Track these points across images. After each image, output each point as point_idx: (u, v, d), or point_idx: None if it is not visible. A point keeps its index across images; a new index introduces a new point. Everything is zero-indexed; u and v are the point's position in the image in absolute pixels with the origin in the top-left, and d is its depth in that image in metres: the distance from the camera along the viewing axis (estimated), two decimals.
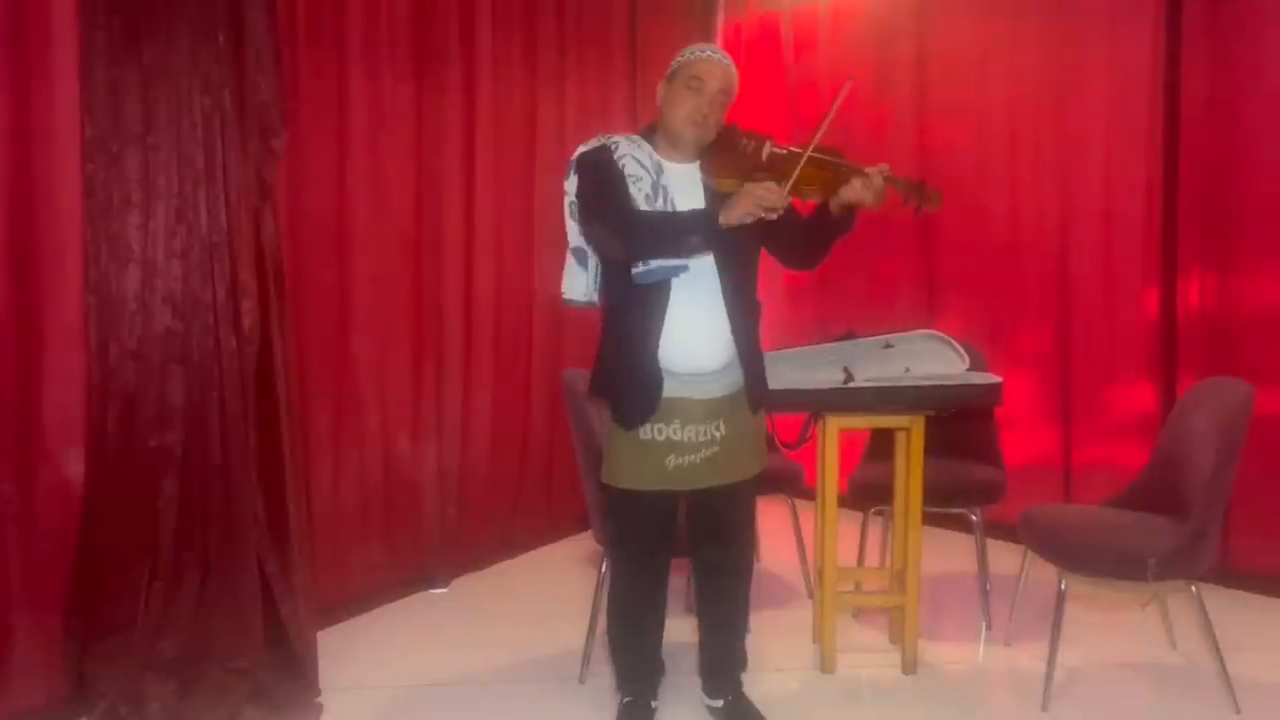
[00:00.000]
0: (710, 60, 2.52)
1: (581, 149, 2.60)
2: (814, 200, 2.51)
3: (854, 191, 2.40)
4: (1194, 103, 3.92)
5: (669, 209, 2.48)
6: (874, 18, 4.89)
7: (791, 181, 2.35)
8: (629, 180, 2.47)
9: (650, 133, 2.63)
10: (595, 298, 2.71)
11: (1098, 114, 4.21)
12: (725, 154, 2.53)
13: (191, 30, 2.83)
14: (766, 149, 2.50)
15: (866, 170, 2.41)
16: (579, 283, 2.70)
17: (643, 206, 2.46)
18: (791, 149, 2.47)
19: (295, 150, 3.30)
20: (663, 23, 5.05)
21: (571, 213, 2.65)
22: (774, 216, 2.31)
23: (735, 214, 2.31)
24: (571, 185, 2.61)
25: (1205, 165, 3.91)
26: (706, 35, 5.40)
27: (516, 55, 4.32)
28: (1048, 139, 4.37)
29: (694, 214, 2.44)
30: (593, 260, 2.68)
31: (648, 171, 2.50)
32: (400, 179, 3.85)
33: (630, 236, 2.45)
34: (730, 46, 5.45)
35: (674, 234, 2.42)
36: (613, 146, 2.54)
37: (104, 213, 2.82)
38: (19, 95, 2.70)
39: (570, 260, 2.70)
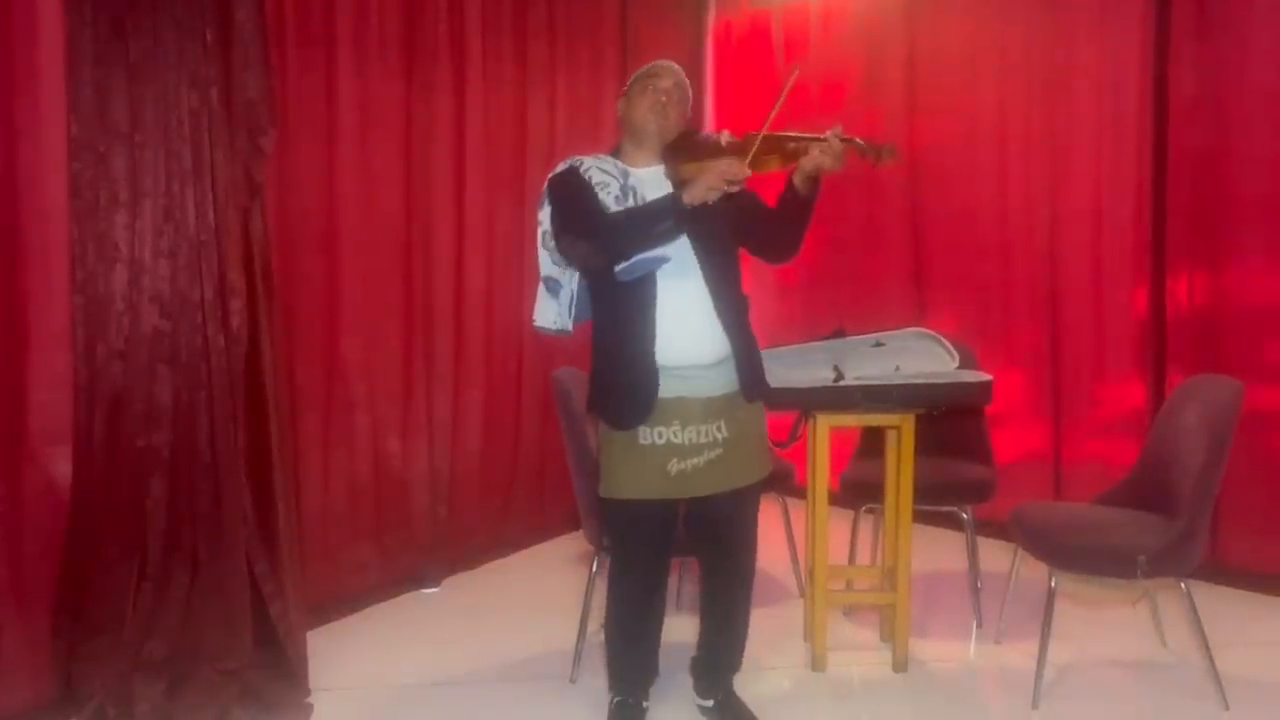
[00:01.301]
0: (661, 65, 2.65)
1: (551, 175, 2.65)
2: (775, 170, 2.52)
3: (814, 159, 2.44)
4: (1182, 100, 3.93)
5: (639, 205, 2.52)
6: (864, 17, 4.89)
7: (751, 154, 2.40)
8: (597, 187, 2.52)
9: (616, 152, 2.68)
10: (568, 325, 2.72)
11: (1087, 112, 4.22)
12: (686, 147, 2.60)
13: (178, 28, 2.82)
14: (724, 137, 2.56)
15: (822, 135, 2.44)
16: (549, 310, 2.73)
17: (614, 208, 2.49)
18: (748, 134, 2.51)
19: (284, 148, 3.29)
20: (654, 21, 5.05)
21: (543, 241, 2.68)
22: (737, 188, 2.37)
23: (699, 189, 2.36)
24: (545, 215, 2.65)
25: (1194, 162, 3.92)
26: (698, 33, 5.40)
27: (507, 53, 4.31)
28: (1037, 137, 4.37)
29: (660, 200, 2.46)
30: (565, 289, 2.70)
31: (614, 176, 2.55)
32: (390, 177, 3.84)
33: (606, 238, 2.49)
34: (721, 44, 5.47)
35: (645, 222, 2.46)
36: (578, 164, 2.60)
37: (91, 212, 2.80)
38: (4, 94, 2.68)
39: (541, 289, 2.73)
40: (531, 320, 2.77)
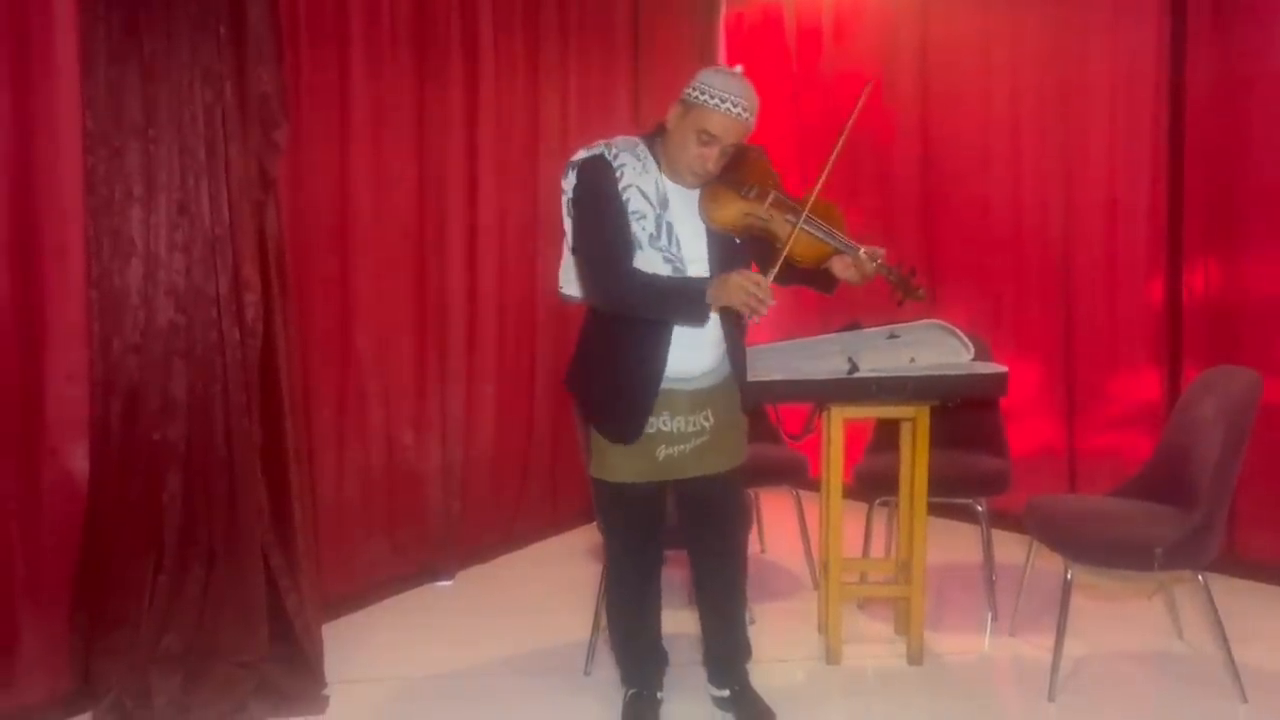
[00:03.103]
0: (729, 116, 2.35)
1: (583, 154, 2.50)
2: (803, 264, 2.49)
3: (842, 268, 2.45)
4: (1199, 89, 3.90)
5: (673, 246, 2.44)
6: (878, 5, 4.86)
7: (779, 264, 2.37)
8: (633, 216, 2.42)
9: (655, 141, 2.53)
10: None
11: (1102, 101, 4.19)
12: (728, 194, 2.47)
13: (191, 23, 2.82)
14: (772, 196, 2.44)
15: (860, 252, 2.42)
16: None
17: (646, 247, 2.42)
18: (795, 202, 2.44)
19: (297, 143, 3.29)
20: (665, 12, 5.02)
21: (568, 210, 2.58)
22: (759, 316, 2.30)
23: (722, 302, 2.33)
24: (569, 184, 2.53)
25: (1210, 152, 3.89)
26: (709, 25, 5.37)
27: (518, 47, 4.30)
28: (1052, 126, 4.34)
29: (691, 294, 2.37)
30: None
31: (652, 205, 2.44)
32: (403, 171, 3.84)
33: (619, 298, 2.45)
34: (732, 36, 5.44)
35: (668, 307, 2.42)
36: (617, 167, 2.44)
37: (106, 207, 2.81)
38: (20, 90, 2.69)
39: (568, 255, 2.64)
40: (558, 288, 2.71)
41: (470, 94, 4.09)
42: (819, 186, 2.41)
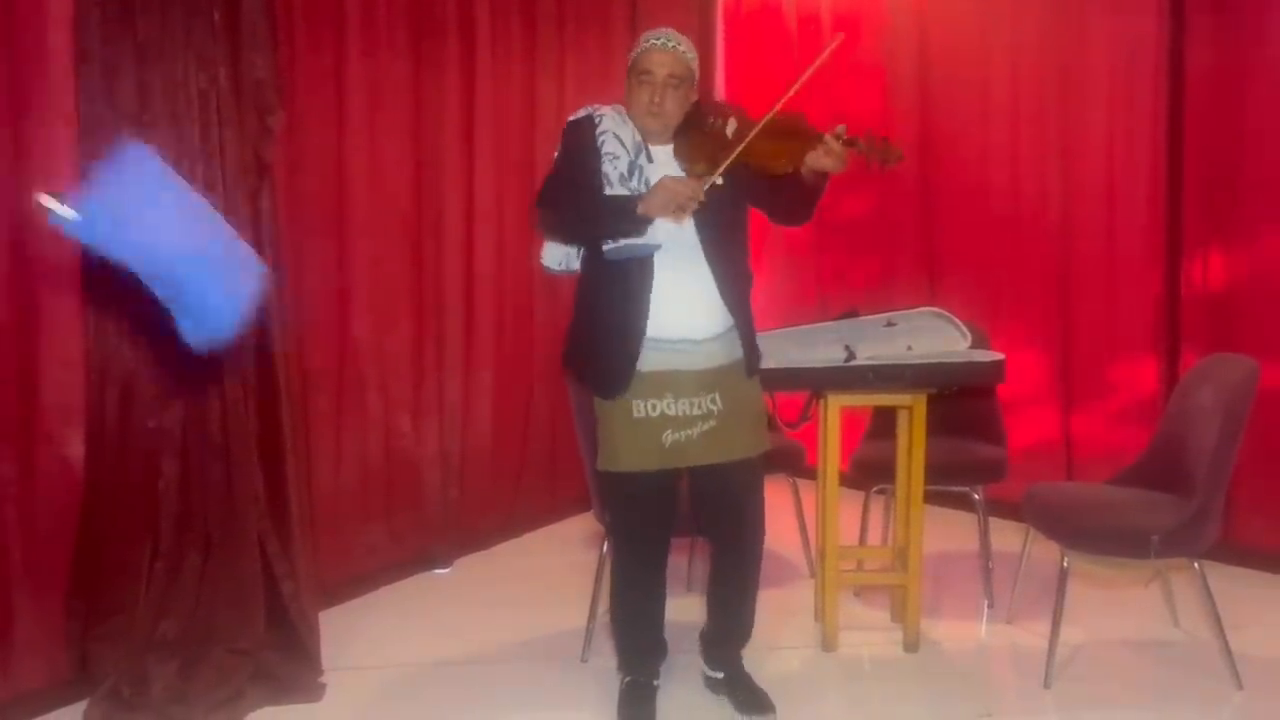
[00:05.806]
0: (655, 49, 2.52)
1: (571, 117, 2.61)
2: (780, 170, 2.48)
3: (817, 159, 2.40)
4: (1199, 76, 3.88)
5: (642, 188, 2.47)
6: None
7: (723, 168, 2.40)
8: (605, 158, 2.48)
9: None
10: (575, 265, 2.71)
11: (1101, 88, 4.17)
12: (693, 136, 2.55)
13: (185, 8, 2.80)
14: (732, 124, 2.50)
15: (825, 137, 2.38)
16: (556, 252, 2.73)
17: (615, 185, 2.47)
18: (754, 122, 2.46)
19: (292, 129, 3.27)
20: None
21: None
22: (688, 212, 2.38)
23: (653, 207, 2.38)
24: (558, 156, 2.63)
25: (1210, 140, 3.87)
26: (707, 12, 5.35)
27: (516, 31, 4.28)
28: (1051, 114, 4.32)
29: (625, 201, 2.43)
30: None
31: (626, 150, 2.50)
32: (399, 157, 3.83)
33: (568, 217, 2.54)
34: (731, 20, 5.41)
35: (607, 215, 2.46)
36: (597, 119, 2.54)
37: None
38: (14, 74, 2.67)
39: None
40: (540, 259, 2.77)
41: (467, 80, 4.07)
42: (780, 105, 2.42)
